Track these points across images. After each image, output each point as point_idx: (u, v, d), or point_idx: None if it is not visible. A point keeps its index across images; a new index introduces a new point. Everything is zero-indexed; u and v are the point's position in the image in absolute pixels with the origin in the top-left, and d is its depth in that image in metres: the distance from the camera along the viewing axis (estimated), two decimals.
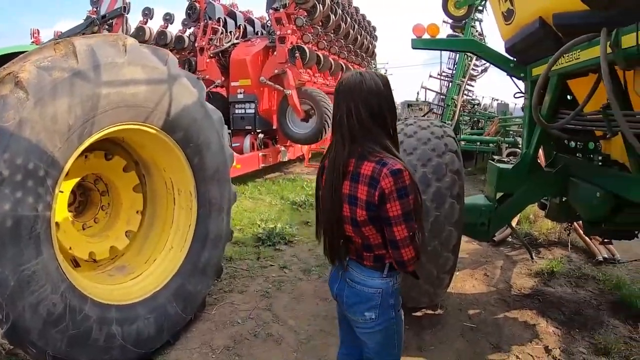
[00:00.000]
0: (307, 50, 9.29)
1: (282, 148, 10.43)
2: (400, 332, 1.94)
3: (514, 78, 4.01)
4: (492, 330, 3.60)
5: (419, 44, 4.17)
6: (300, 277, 4.59)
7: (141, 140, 3.22)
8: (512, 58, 3.91)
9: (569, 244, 5.55)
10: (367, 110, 1.67)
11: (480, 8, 12.41)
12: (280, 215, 6.96)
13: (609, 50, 2.00)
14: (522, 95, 4.03)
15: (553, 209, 3.96)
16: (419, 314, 3.75)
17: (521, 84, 4.02)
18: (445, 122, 12.16)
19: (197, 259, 3.45)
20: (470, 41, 5.01)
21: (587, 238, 5.35)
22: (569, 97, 3.29)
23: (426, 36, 4.15)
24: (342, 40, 11.95)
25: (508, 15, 3.48)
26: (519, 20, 3.28)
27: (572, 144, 3.60)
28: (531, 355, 3.28)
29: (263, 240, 5.58)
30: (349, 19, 12.02)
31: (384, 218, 1.66)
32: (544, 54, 3.03)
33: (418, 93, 16.53)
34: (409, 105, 25.75)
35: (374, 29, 15.47)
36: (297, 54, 9.13)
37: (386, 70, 22.89)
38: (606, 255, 5.14)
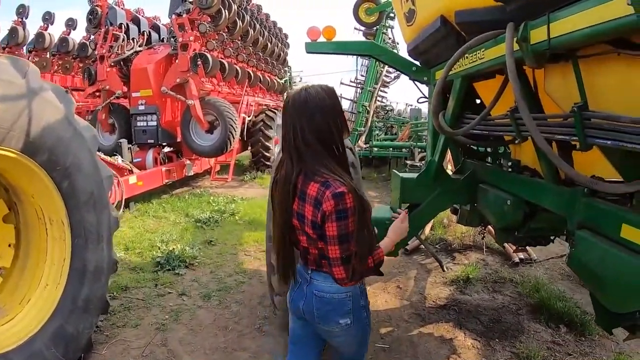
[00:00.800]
0: (210, 58, 8.83)
1: (188, 162, 9.85)
2: (369, 328, 2.01)
3: (417, 82, 3.85)
4: (407, 350, 3.41)
5: (313, 47, 3.95)
6: (199, 305, 4.20)
7: (2, 164, 2.73)
8: (415, 61, 3.74)
9: (484, 247, 5.55)
10: (313, 128, 1.69)
11: (392, 15, 12.54)
12: (183, 235, 6.46)
13: (516, 47, 1.80)
14: (426, 100, 3.88)
15: (464, 215, 3.83)
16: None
17: (425, 89, 3.86)
18: (358, 129, 12.33)
19: (76, 295, 3.04)
20: (368, 44, 4.74)
21: None
22: (477, 101, 3.14)
23: (322, 39, 3.90)
24: (250, 48, 11.61)
25: (410, 16, 3.29)
26: (420, 21, 3.09)
27: (481, 149, 3.48)
28: None
29: (162, 264, 5.10)
30: (258, 26, 11.71)
31: (324, 235, 1.69)
32: (446, 56, 2.83)
33: None
34: None
35: (286, 36, 15.38)
36: (200, 62, 8.63)
37: (301, 79, 22.74)
38: (522, 256, 5.17)
